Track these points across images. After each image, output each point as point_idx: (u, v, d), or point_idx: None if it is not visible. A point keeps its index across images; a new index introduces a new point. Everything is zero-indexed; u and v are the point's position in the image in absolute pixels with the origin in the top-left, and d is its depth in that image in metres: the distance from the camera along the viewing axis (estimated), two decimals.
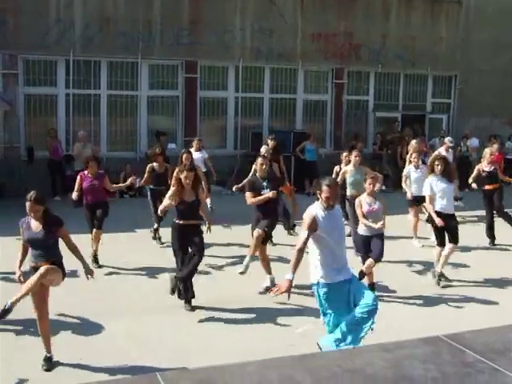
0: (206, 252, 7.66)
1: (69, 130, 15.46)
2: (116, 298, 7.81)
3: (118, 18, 15.35)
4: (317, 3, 17.36)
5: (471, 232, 11.57)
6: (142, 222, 11.31)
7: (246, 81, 17.11)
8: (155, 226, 10.55)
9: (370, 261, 7.89)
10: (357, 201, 8.33)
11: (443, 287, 8.57)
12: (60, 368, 5.89)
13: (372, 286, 7.85)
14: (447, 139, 14.13)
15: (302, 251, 5.56)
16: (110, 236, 10.15)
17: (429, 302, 8.01)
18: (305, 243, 5.58)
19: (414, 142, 12.55)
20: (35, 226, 6.06)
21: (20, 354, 6.16)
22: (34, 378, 5.71)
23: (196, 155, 12.34)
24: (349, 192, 10.14)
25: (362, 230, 8.22)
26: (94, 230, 9.28)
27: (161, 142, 15.15)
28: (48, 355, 5.92)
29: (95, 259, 9.21)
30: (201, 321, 7.15)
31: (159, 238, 10.58)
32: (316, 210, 5.69)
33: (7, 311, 5.66)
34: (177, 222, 7.54)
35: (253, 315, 7.38)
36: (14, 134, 14.89)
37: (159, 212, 7.85)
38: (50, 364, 5.88)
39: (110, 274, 8.90)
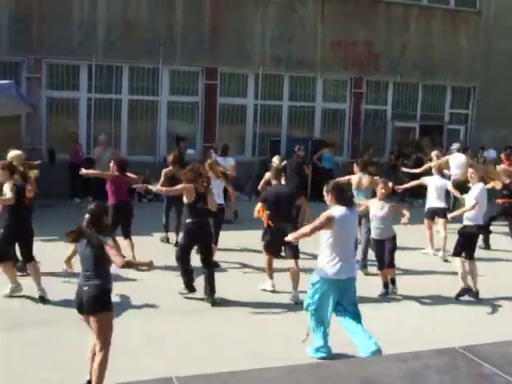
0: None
1: (90, 134, 15.68)
2: (132, 298, 7.86)
3: (140, 24, 15.54)
4: (337, 12, 17.44)
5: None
6: (159, 226, 11.37)
7: (266, 88, 17.22)
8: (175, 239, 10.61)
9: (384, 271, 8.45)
10: (368, 202, 8.67)
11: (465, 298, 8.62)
12: (69, 368, 5.84)
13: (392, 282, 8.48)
14: (455, 145, 14.16)
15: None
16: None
17: (446, 312, 8.01)
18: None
19: (434, 153, 12.75)
20: None
21: (20, 354, 6.18)
22: (35, 379, 5.68)
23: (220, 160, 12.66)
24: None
25: (374, 234, 8.53)
26: (123, 239, 9.37)
27: (180, 147, 15.30)
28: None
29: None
30: (215, 322, 7.22)
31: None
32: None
33: None
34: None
35: (269, 317, 7.44)
36: (36, 137, 15.12)
37: None
38: None
39: (127, 275, 8.99)
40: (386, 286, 8.48)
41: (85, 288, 5.24)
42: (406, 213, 8.24)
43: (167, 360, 6.17)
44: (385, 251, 8.39)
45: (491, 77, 18.97)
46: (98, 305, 5.22)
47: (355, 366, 6.14)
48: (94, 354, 5.29)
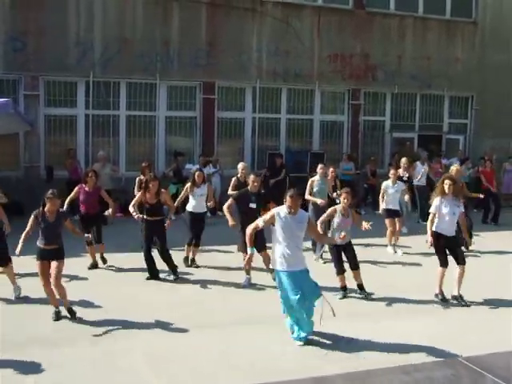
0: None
1: (88, 150, 15.66)
2: (130, 317, 7.76)
3: (136, 39, 15.57)
4: (333, 24, 17.50)
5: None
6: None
7: (263, 101, 17.24)
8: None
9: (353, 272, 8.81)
10: (331, 209, 8.95)
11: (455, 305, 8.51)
12: None
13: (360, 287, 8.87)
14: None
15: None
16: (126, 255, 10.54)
17: (447, 322, 7.88)
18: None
19: (404, 159, 13.78)
20: None
21: (19, 354, 6.17)
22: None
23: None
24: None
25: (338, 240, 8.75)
26: (94, 244, 9.96)
27: (178, 162, 15.31)
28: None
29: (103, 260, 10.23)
30: (217, 338, 7.09)
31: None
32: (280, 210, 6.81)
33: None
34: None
35: (276, 333, 7.32)
36: (34, 154, 15.11)
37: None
38: None
39: (129, 291, 8.92)
40: (345, 288, 8.80)
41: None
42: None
43: (170, 379, 6.05)
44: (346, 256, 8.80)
45: (488, 86, 19.03)
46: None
47: (358, 378, 6.09)
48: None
